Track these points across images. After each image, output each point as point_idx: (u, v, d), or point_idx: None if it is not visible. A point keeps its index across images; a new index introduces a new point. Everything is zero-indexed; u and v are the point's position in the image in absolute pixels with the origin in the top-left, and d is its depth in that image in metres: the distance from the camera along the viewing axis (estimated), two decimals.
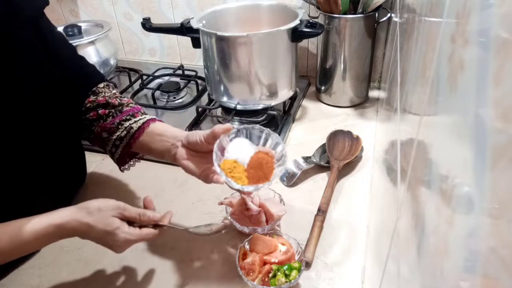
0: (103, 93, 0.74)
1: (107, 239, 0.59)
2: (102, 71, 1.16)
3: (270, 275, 0.62)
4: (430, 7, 0.46)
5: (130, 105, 0.75)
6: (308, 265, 0.66)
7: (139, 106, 0.76)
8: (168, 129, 0.70)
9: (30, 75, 0.64)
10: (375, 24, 1.03)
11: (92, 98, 0.74)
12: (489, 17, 0.24)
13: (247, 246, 0.68)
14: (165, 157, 0.69)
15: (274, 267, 0.62)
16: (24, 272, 0.69)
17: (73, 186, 0.84)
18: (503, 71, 0.21)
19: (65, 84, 0.70)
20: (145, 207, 0.67)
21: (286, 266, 0.62)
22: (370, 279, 0.64)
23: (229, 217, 0.73)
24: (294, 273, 0.62)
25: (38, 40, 0.65)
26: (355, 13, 1.01)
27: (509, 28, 0.21)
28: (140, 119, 0.72)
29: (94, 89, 0.74)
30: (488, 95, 0.23)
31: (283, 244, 0.67)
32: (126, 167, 0.78)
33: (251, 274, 0.62)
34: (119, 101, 0.74)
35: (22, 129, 0.64)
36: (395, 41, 0.86)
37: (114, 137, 0.72)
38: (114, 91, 0.76)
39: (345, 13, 1.00)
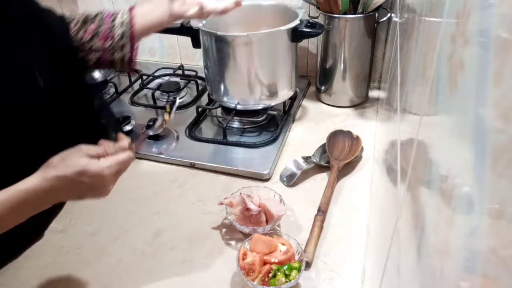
0: (76, 16, 0.77)
1: (84, 181, 0.55)
2: (102, 72, 1.16)
3: (270, 275, 0.62)
4: (430, 7, 0.46)
5: (101, 12, 0.77)
6: (308, 265, 0.66)
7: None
8: (149, 4, 0.77)
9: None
10: (375, 24, 1.03)
11: (72, 25, 0.76)
12: (489, 17, 0.24)
13: (247, 246, 0.68)
14: (164, 20, 0.74)
15: (274, 267, 0.62)
16: (24, 272, 0.69)
17: None
18: (503, 71, 0.21)
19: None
20: None
21: (286, 266, 0.62)
22: (370, 279, 0.64)
23: (229, 217, 0.73)
24: (294, 273, 0.62)
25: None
26: (355, 13, 1.01)
27: (509, 28, 0.21)
28: (122, 11, 0.75)
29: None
30: (488, 95, 0.23)
31: (283, 244, 0.67)
32: (135, 61, 0.80)
33: (251, 274, 0.62)
34: (91, 13, 0.77)
35: (32, 133, 0.63)
36: (395, 41, 0.86)
37: (117, 38, 0.74)
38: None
39: (345, 13, 1.00)
